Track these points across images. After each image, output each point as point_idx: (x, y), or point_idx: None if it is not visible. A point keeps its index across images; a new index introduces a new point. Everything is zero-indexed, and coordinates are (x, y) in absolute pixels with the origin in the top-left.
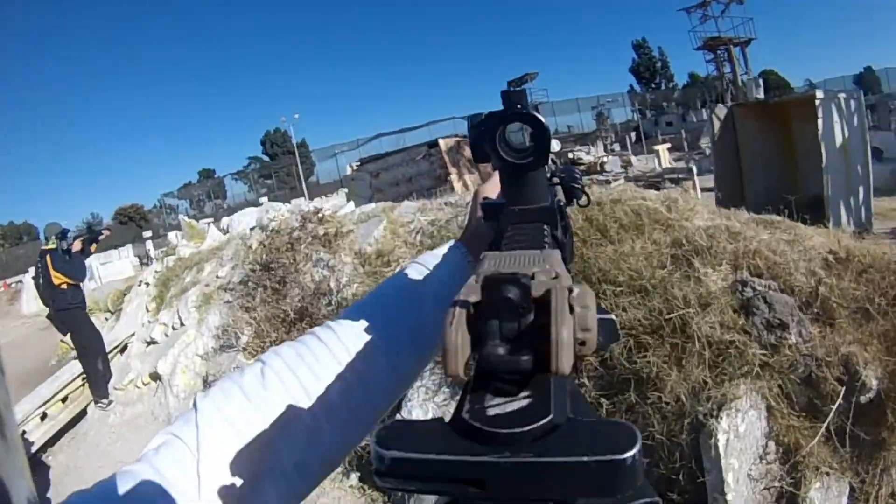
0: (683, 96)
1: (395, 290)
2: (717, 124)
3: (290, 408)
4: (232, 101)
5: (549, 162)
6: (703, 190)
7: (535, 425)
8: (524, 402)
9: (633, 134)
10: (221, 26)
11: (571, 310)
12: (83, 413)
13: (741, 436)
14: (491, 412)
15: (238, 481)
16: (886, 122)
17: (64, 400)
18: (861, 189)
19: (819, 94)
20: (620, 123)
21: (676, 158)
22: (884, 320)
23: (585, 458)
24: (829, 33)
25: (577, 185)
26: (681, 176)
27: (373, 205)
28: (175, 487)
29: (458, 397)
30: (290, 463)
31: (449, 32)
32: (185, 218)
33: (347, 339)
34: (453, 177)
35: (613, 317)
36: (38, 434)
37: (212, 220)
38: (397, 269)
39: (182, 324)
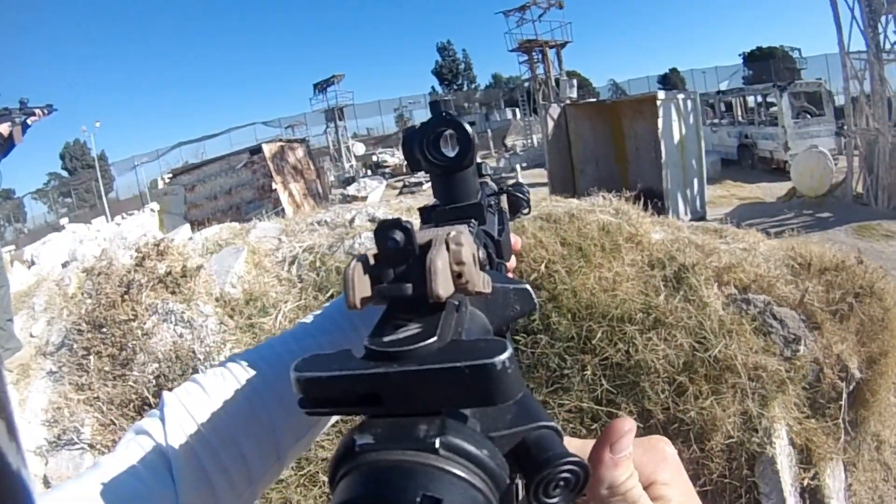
0: (486, 97)
1: (328, 313)
2: (550, 123)
3: (247, 403)
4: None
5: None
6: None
7: (420, 344)
8: (416, 330)
9: None
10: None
11: (448, 247)
12: None
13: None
14: (387, 338)
15: (202, 472)
16: (701, 119)
17: None
18: (696, 181)
19: (661, 94)
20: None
21: (483, 156)
22: (854, 317)
23: (460, 364)
24: (630, 36)
25: (520, 196)
26: (504, 175)
27: (216, 227)
28: (148, 479)
29: None
30: (251, 454)
31: (248, 34)
32: None
33: (302, 345)
34: (279, 186)
35: (527, 286)
36: None
37: (13, 248)
38: (277, 317)
39: None
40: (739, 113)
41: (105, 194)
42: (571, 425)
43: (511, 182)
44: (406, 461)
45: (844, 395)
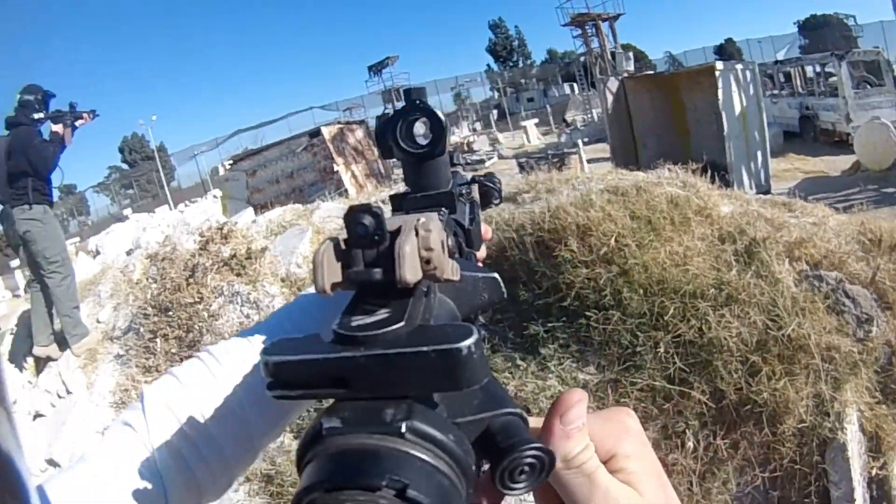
0: (542, 72)
1: (311, 299)
2: (609, 97)
3: (221, 393)
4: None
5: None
6: (589, 161)
7: (388, 329)
8: (384, 315)
9: (494, 112)
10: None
11: (417, 234)
12: None
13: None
14: (355, 323)
15: (186, 466)
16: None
17: None
18: (759, 154)
19: (719, 65)
20: (480, 102)
21: (544, 133)
22: None
23: (426, 348)
24: (683, 7)
25: (490, 185)
26: (564, 150)
27: (279, 210)
28: (133, 473)
29: None
30: (227, 444)
31: (301, 21)
32: None
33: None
34: (340, 168)
35: (496, 275)
36: None
37: (77, 239)
38: None
39: (68, 391)
40: (799, 83)
41: (167, 184)
42: (643, 405)
43: (483, 172)
44: (372, 445)
45: None
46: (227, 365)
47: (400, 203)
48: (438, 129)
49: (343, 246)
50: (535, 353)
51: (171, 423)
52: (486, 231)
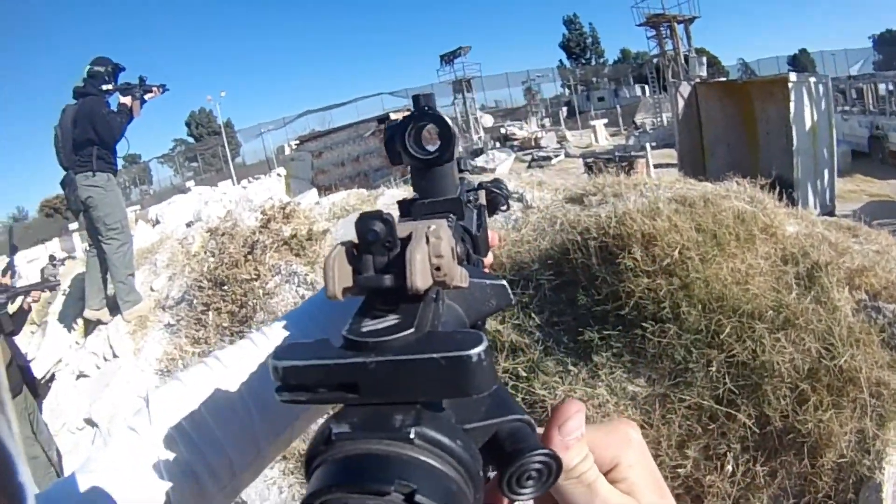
0: (614, 72)
1: (319, 303)
2: (680, 102)
3: (226, 399)
4: (157, 80)
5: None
6: (656, 167)
7: (398, 335)
8: (394, 321)
9: (564, 109)
10: (139, 3)
11: (428, 240)
12: None
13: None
14: (365, 329)
15: (192, 473)
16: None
17: None
18: (826, 172)
19: (792, 77)
20: (550, 98)
21: (613, 134)
22: None
23: (436, 355)
24: (760, 14)
25: (497, 191)
26: (632, 153)
27: (343, 193)
28: (137, 478)
29: None
30: (232, 450)
31: (375, 6)
32: None
33: (284, 336)
34: None
35: (504, 282)
36: None
37: (138, 207)
38: None
39: (115, 355)
40: (871, 101)
41: (231, 159)
42: (689, 422)
43: (490, 178)
44: (381, 450)
45: None
46: (233, 370)
47: (408, 209)
48: (446, 136)
49: (354, 251)
50: (587, 360)
51: (177, 428)
52: (494, 237)
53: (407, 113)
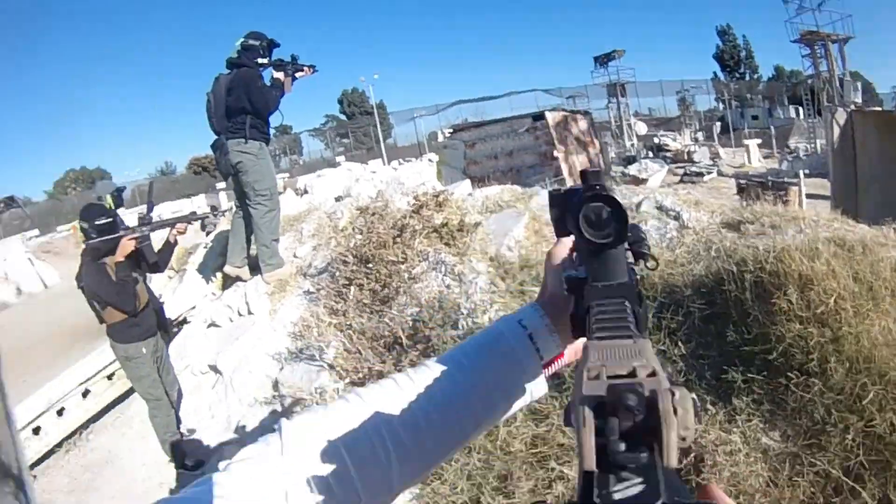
0: (768, 89)
1: (479, 343)
2: (836, 129)
3: (368, 442)
4: (309, 58)
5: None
6: (808, 197)
7: None
8: (640, 487)
9: (718, 124)
10: None
11: (675, 411)
12: (130, 391)
13: None
14: (616, 496)
15: (317, 496)
16: None
17: (110, 377)
18: None
19: None
20: (704, 111)
21: (765, 156)
22: None
23: None
24: None
25: (643, 250)
26: (785, 180)
27: (497, 188)
28: (263, 497)
29: None
30: (365, 490)
31: (532, 4)
32: None
33: (429, 383)
34: (560, 156)
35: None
36: (78, 412)
37: (287, 175)
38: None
39: (250, 311)
40: None
41: (383, 140)
42: (812, 489)
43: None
44: None
45: None
46: (375, 409)
47: (580, 289)
48: (621, 220)
49: (598, 409)
50: (727, 402)
51: (309, 462)
52: None
53: (566, 112)
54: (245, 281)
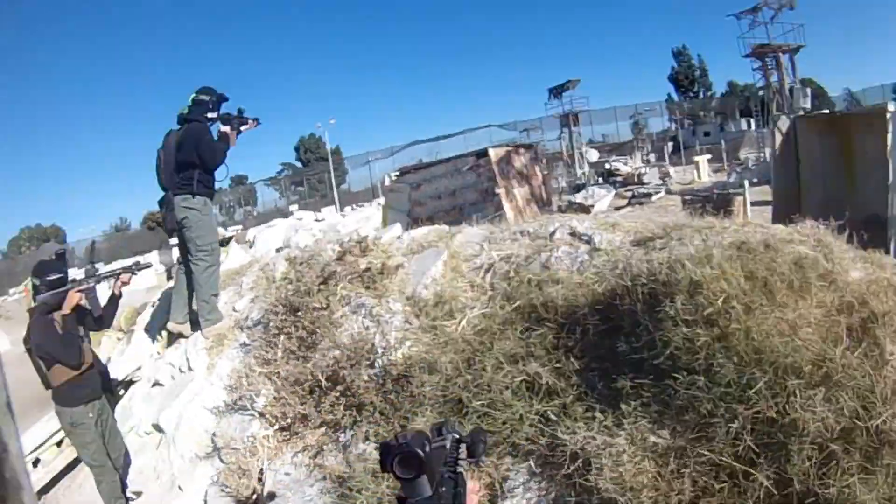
0: (722, 105)
1: None
2: (778, 137)
3: None
4: (265, 107)
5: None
6: (752, 204)
7: None
8: None
9: (670, 144)
10: (253, 31)
11: None
12: (79, 460)
13: None
14: None
15: None
16: None
17: (59, 444)
18: None
19: (890, 107)
20: (657, 133)
21: (716, 170)
22: None
23: None
24: (867, 41)
25: (480, 444)
26: (731, 190)
27: (425, 229)
28: None
29: None
30: None
31: (486, 38)
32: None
33: None
34: (501, 191)
35: None
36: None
37: (240, 227)
38: (461, 322)
39: (190, 367)
40: None
41: (337, 186)
42: (705, 478)
43: (472, 428)
44: None
45: None
46: None
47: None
48: (418, 466)
49: None
50: (616, 408)
51: None
52: (472, 488)
53: (512, 146)
54: (186, 337)
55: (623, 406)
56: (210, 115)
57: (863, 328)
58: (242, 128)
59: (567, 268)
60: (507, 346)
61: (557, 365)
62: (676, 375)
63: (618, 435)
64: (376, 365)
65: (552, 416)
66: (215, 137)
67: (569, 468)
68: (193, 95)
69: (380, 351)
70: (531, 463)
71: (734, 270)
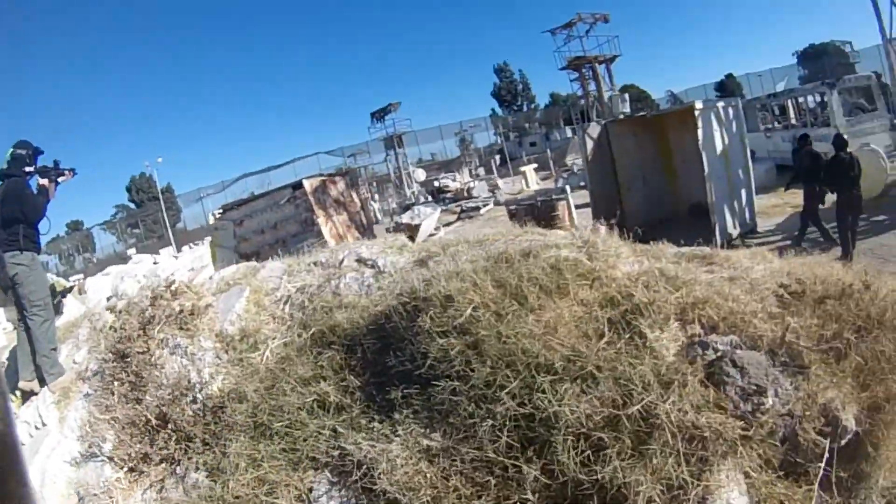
0: (546, 116)
1: None
2: (589, 143)
3: None
4: (94, 147)
5: None
6: (577, 207)
7: None
8: None
9: (497, 157)
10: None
11: None
12: None
13: None
14: None
15: None
16: (755, 125)
17: None
18: (743, 192)
19: (698, 104)
20: (484, 147)
21: (544, 178)
22: (855, 354)
23: None
24: (686, 45)
25: None
26: (554, 196)
27: (233, 268)
28: None
29: None
30: None
31: (307, 66)
32: (54, 277)
33: None
34: (321, 220)
35: None
36: None
37: (81, 276)
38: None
39: (44, 423)
40: (793, 115)
41: (172, 225)
42: (477, 474)
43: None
44: None
45: (830, 452)
46: None
47: None
48: None
49: None
50: (391, 417)
51: None
52: None
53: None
54: (37, 394)
55: (396, 415)
56: (28, 168)
57: (625, 320)
58: (60, 179)
59: (355, 292)
60: (302, 370)
61: (343, 383)
62: (436, 383)
63: (393, 441)
64: (197, 400)
65: (341, 430)
66: (35, 191)
67: (356, 475)
68: (11, 150)
69: (198, 387)
70: (328, 474)
71: (483, 281)
